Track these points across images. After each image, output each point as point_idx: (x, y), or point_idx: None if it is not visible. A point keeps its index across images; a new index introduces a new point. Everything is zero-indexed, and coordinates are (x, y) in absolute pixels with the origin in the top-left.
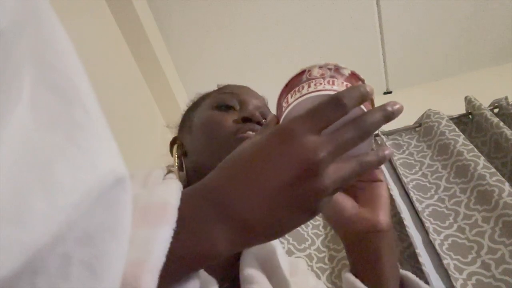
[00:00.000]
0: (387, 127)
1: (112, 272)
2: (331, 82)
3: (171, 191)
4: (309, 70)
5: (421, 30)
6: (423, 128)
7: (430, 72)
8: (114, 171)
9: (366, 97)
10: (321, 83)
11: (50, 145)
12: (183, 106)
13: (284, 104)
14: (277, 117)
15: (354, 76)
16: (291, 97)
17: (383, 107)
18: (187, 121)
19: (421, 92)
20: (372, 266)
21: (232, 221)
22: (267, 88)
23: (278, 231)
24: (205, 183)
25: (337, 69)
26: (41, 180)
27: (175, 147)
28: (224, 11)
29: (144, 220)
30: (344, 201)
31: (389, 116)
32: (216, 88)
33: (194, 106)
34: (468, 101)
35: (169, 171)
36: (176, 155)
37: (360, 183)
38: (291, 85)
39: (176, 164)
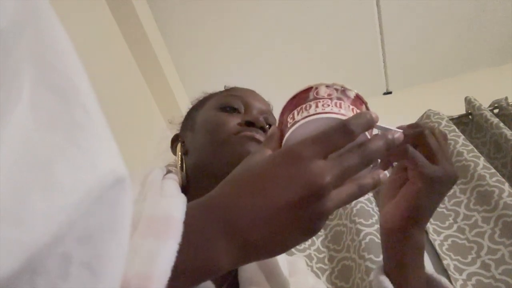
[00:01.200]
0: None
1: (112, 272)
2: (338, 105)
3: (177, 204)
4: (316, 88)
5: (421, 30)
6: None
7: (430, 73)
8: (114, 171)
9: (372, 125)
10: (328, 105)
11: (50, 145)
12: (182, 106)
13: (290, 120)
14: (280, 130)
15: (358, 98)
16: (298, 114)
17: (384, 136)
18: (190, 119)
19: (421, 93)
20: (392, 261)
21: (236, 238)
22: (266, 88)
23: (279, 249)
24: (211, 198)
25: (343, 90)
26: (41, 180)
27: (179, 145)
28: (223, 11)
29: (149, 232)
30: (387, 192)
31: (390, 144)
32: (223, 89)
33: (199, 105)
34: (468, 101)
35: (168, 171)
36: (179, 152)
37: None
38: (297, 101)
39: (179, 161)
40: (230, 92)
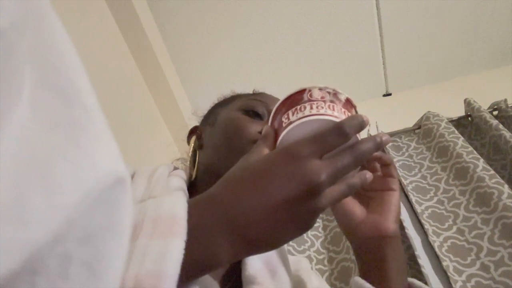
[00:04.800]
0: (386, 129)
1: (112, 272)
2: (331, 107)
3: (179, 203)
4: (309, 90)
5: (421, 32)
6: (423, 130)
7: (429, 74)
8: (114, 171)
9: (363, 127)
10: (322, 107)
11: (51, 145)
12: (182, 106)
13: (285, 120)
14: (275, 129)
15: (348, 102)
16: (293, 115)
17: (373, 138)
18: (212, 114)
19: (421, 94)
20: (377, 270)
21: (235, 234)
22: (266, 90)
23: (275, 244)
24: (210, 195)
25: (335, 93)
26: (41, 180)
27: (194, 137)
28: (224, 13)
29: (156, 231)
30: (353, 207)
31: (379, 146)
32: (251, 92)
33: (224, 103)
34: (468, 103)
35: (175, 168)
36: (193, 145)
37: (373, 192)
38: (291, 102)
39: (191, 153)
40: (257, 96)
